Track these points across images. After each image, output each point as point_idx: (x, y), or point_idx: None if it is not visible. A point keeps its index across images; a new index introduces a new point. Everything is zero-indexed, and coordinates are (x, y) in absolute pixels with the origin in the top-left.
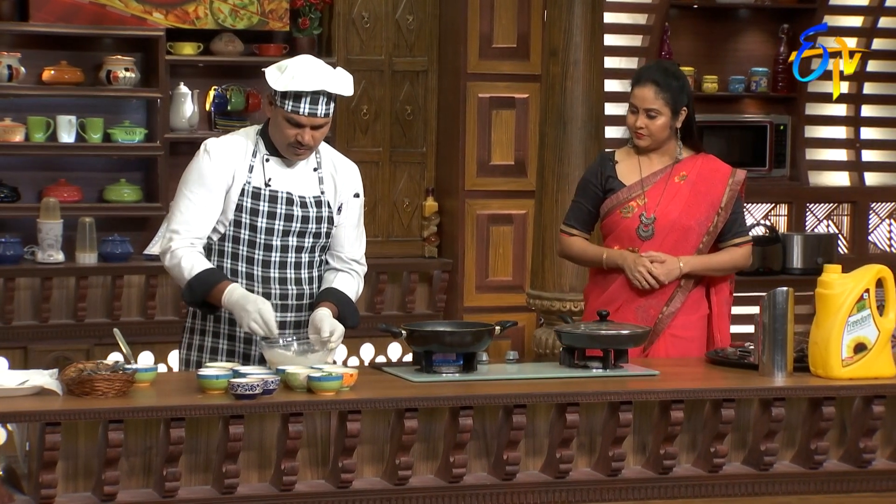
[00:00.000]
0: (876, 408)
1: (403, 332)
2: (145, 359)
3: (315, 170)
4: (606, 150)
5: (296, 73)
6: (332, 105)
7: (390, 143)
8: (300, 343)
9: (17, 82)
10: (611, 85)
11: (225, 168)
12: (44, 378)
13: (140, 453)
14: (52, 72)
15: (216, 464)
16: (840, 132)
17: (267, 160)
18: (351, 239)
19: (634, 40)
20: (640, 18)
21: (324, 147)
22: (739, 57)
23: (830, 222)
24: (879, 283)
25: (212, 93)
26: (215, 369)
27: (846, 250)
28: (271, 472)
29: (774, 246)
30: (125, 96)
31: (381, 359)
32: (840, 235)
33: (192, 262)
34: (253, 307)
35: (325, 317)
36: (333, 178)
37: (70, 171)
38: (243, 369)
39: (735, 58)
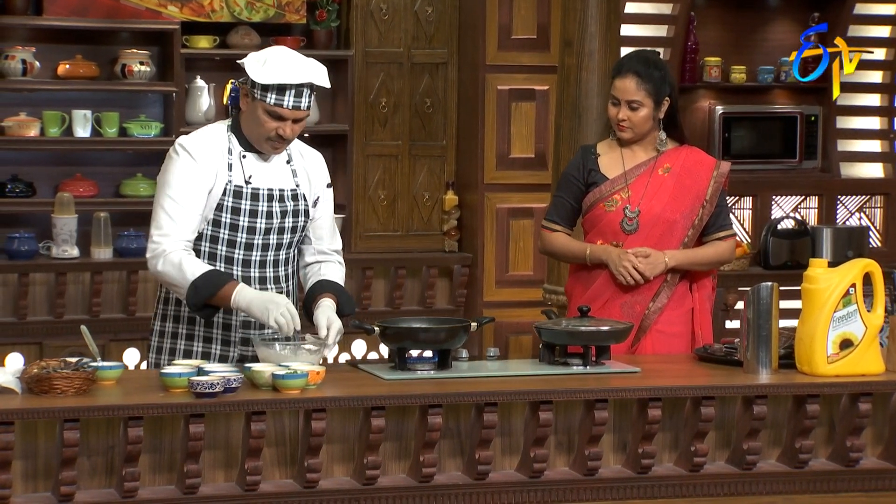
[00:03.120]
0: (862, 405)
1: (376, 328)
2: None
3: (288, 162)
4: (588, 143)
5: (279, 66)
6: (313, 97)
7: (409, 137)
8: (294, 342)
9: (32, 77)
10: None
11: (206, 167)
12: (4, 377)
13: (102, 453)
14: (67, 66)
15: (179, 463)
16: (873, 122)
17: (244, 156)
18: (329, 230)
19: (659, 30)
20: (664, 8)
21: None
22: (768, 47)
23: (863, 215)
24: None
25: (228, 86)
26: (179, 367)
27: (879, 243)
28: (238, 472)
29: (803, 239)
30: (141, 90)
31: None
32: (872, 228)
33: (192, 263)
34: (282, 300)
35: (321, 316)
36: (306, 171)
37: (86, 165)
38: (208, 367)
39: (764, 47)
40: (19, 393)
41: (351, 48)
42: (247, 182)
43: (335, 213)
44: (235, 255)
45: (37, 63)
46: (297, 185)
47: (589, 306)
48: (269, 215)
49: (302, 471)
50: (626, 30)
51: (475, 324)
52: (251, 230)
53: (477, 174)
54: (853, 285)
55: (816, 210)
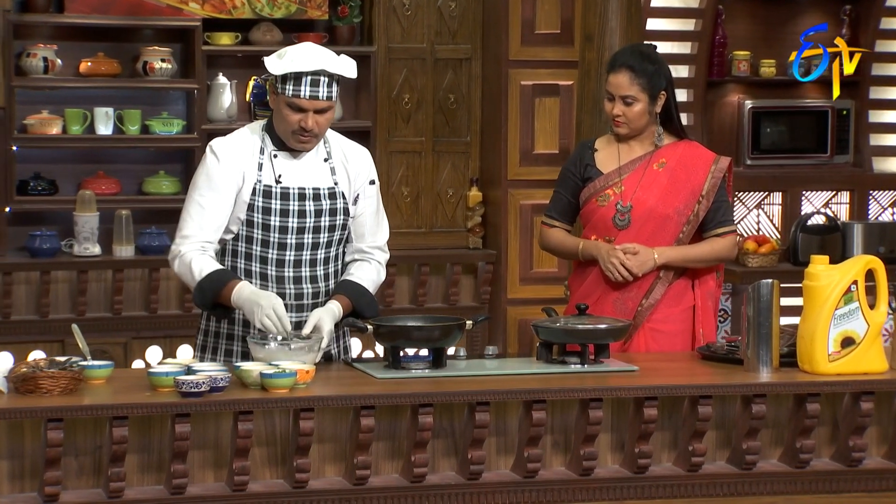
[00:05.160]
0: (864, 404)
1: (369, 327)
2: (184, 353)
3: (326, 160)
4: (587, 138)
5: (294, 57)
6: (333, 87)
7: (433, 133)
8: (288, 341)
9: (54, 74)
10: None
11: (233, 169)
12: None
13: (90, 452)
14: (89, 63)
15: (166, 463)
16: None
17: (275, 156)
18: (371, 227)
19: (687, 24)
20: (692, 2)
21: (332, 135)
22: (799, 40)
23: (895, 210)
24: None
25: (251, 83)
26: (167, 366)
27: None
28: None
29: (834, 235)
30: (163, 87)
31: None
32: None
33: (201, 264)
34: (266, 302)
35: (313, 315)
36: (345, 168)
37: (108, 163)
38: (197, 366)
39: (794, 41)
40: (5, 393)
41: (374, 44)
42: (277, 181)
43: None
44: (269, 255)
45: (58, 61)
46: (336, 184)
47: (587, 304)
48: (302, 214)
49: (291, 471)
50: (653, 24)
51: (471, 322)
52: (283, 230)
53: (500, 170)
54: (855, 282)
55: (848, 205)
